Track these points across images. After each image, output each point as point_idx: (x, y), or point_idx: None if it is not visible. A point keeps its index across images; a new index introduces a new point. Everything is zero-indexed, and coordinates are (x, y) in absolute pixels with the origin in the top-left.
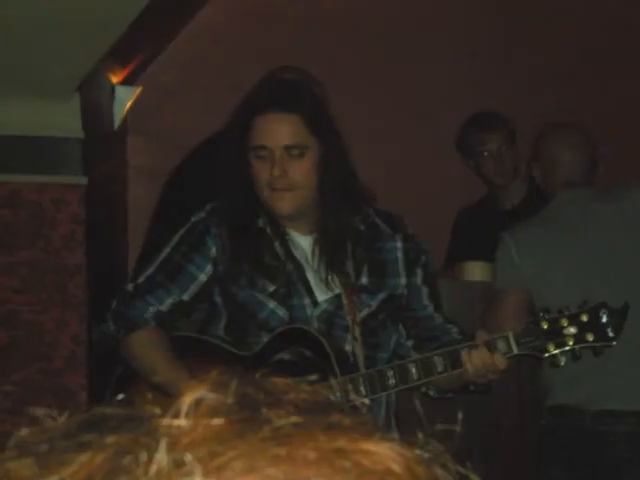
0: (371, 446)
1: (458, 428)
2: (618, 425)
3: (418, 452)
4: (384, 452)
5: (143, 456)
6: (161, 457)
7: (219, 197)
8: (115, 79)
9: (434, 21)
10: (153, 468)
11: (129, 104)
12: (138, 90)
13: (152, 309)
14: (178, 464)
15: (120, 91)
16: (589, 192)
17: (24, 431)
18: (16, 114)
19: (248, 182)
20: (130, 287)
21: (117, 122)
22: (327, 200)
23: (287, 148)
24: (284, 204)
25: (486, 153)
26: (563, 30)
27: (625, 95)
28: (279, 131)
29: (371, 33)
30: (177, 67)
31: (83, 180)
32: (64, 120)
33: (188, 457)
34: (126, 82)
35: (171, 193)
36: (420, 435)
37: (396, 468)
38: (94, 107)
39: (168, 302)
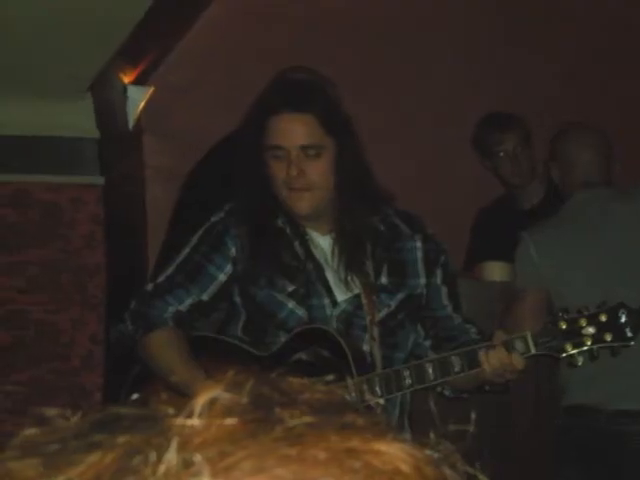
0: (382, 446)
1: (471, 428)
2: (633, 425)
3: (428, 452)
4: (394, 452)
5: (153, 456)
6: (170, 457)
7: (237, 197)
8: (126, 79)
9: (434, 21)
10: (161, 468)
11: (142, 104)
12: (150, 90)
13: (171, 309)
14: (187, 464)
15: (132, 91)
16: (607, 192)
17: (29, 431)
18: (29, 115)
19: (265, 182)
20: (150, 287)
21: (131, 122)
22: (344, 200)
23: (303, 148)
24: (303, 204)
25: (502, 153)
26: (563, 30)
27: (627, 95)
28: (294, 131)
29: (373, 33)
30: (188, 66)
31: (100, 180)
32: (78, 120)
33: (197, 457)
34: (137, 82)
35: (189, 194)
36: (432, 435)
37: (405, 468)
38: (107, 107)
39: (187, 302)
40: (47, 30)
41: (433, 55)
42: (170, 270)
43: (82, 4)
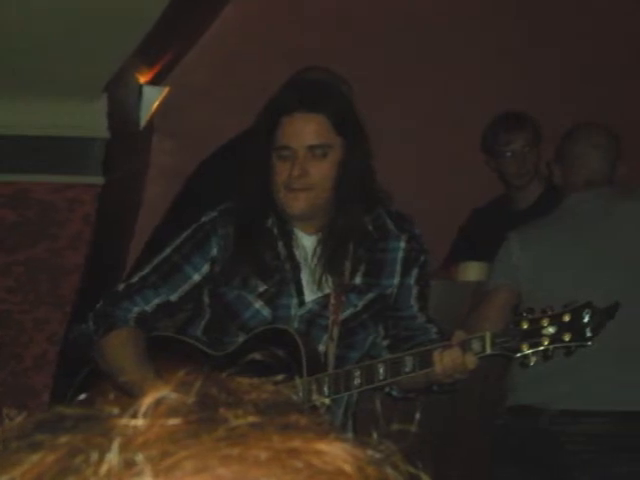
0: (324, 446)
1: (414, 428)
2: (573, 425)
3: (371, 452)
4: (336, 452)
5: (94, 456)
6: (112, 457)
7: (233, 197)
8: (143, 79)
9: (448, 21)
10: (103, 468)
11: (156, 104)
12: (165, 90)
13: (136, 309)
14: (128, 464)
15: (147, 91)
16: (609, 191)
17: None
18: (39, 114)
19: (264, 183)
20: (121, 287)
21: (143, 122)
22: (341, 201)
23: (311, 148)
24: (298, 204)
25: (509, 153)
26: (580, 30)
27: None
28: (305, 131)
29: (398, 34)
30: (204, 67)
31: (100, 180)
32: (90, 120)
33: (139, 457)
34: (153, 82)
35: (186, 193)
36: (375, 435)
37: (347, 468)
38: (120, 107)
39: (154, 302)
40: (63, 30)
41: (449, 55)
42: (146, 270)
43: (97, 4)
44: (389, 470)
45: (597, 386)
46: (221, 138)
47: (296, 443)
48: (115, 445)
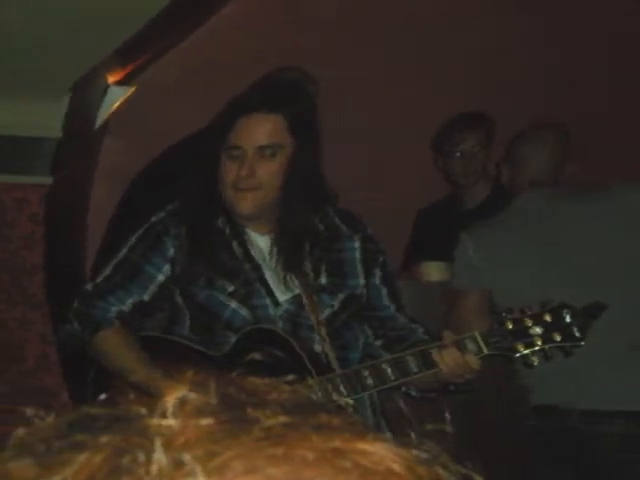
0: (367, 446)
1: (449, 428)
2: (603, 425)
3: (416, 452)
4: (381, 452)
5: (141, 456)
6: (160, 457)
7: (180, 197)
8: (112, 79)
9: (412, 22)
10: (154, 468)
11: (116, 104)
12: (130, 90)
13: (114, 309)
14: (178, 464)
15: (112, 91)
16: (554, 191)
17: (21, 431)
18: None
19: (211, 182)
20: (90, 287)
21: (99, 122)
22: (288, 200)
23: (261, 148)
24: (246, 203)
25: (458, 154)
26: (550, 31)
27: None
28: (258, 131)
29: (368, 33)
30: (171, 68)
31: (48, 180)
32: (43, 120)
33: (187, 457)
34: (123, 83)
35: (133, 193)
36: (413, 436)
37: (397, 468)
38: (82, 107)
39: (129, 302)
40: (31, 32)
41: (403, 55)
42: (108, 270)
43: (67, 4)
44: (440, 470)
45: (615, 386)
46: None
47: (337, 443)
48: (158, 445)
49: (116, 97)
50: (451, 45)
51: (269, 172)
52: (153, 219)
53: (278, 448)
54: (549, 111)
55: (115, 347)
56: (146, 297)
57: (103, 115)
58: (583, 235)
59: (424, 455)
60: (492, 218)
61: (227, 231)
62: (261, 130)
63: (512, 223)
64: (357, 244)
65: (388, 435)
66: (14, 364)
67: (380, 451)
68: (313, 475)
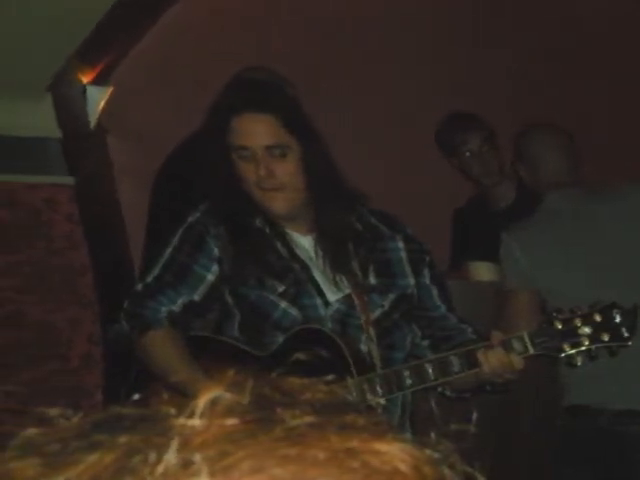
0: (382, 446)
1: (472, 428)
2: (634, 426)
3: (428, 452)
4: (393, 452)
5: (152, 456)
6: (170, 457)
7: (210, 197)
8: (85, 79)
9: (400, 22)
10: (160, 468)
11: (102, 104)
12: (110, 90)
13: (164, 309)
14: (186, 464)
15: (92, 91)
16: (579, 192)
17: (30, 431)
18: None
19: (236, 181)
20: (140, 287)
21: (92, 122)
22: (319, 200)
23: (268, 148)
24: (279, 203)
25: (468, 153)
26: (532, 31)
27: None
28: (257, 131)
29: (344, 33)
30: (145, 67)
31: (70, 180)
32: (39, 120)
33: (197, 457)
34: (96, 82)
35: (160, 194)
36: (433, 435)
37: (403, 468)
38: (67, 107)
39: (180, 302)
40: (6, 30)
41: (400, 55)
42: (157, 270)
43: (37, 4)
44: (446, 470)
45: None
46: (171, 136)
47: (354, 443)
48: (173, 445)
49: (96, 97)
50: (448, 44)
51: (287, 173)
52: (190, 219)
53: (293, 448)
54: (549, 112)
55: (161, 347)
56: (196, 297)
57: (93, 115)
58: (618, 234)
59: (435, 455)
60: (527, 219)
61: (267, 231)
62: (258, 130)
63: (545, 224)
64: (401, 244)
65: (408, 435)
66: (58, 363)
67: (392, 451)
68: (317, 475)
